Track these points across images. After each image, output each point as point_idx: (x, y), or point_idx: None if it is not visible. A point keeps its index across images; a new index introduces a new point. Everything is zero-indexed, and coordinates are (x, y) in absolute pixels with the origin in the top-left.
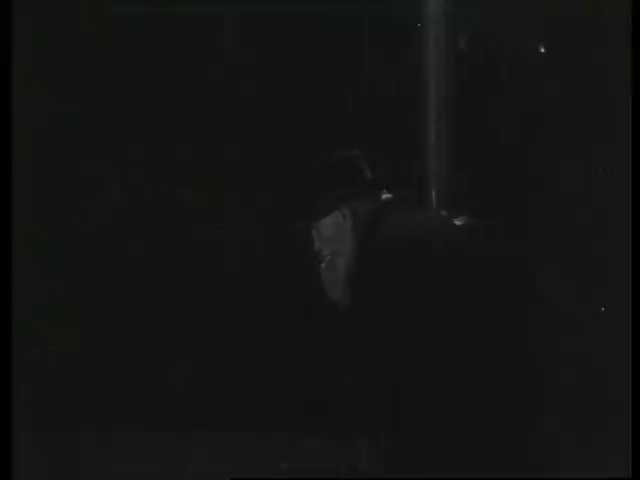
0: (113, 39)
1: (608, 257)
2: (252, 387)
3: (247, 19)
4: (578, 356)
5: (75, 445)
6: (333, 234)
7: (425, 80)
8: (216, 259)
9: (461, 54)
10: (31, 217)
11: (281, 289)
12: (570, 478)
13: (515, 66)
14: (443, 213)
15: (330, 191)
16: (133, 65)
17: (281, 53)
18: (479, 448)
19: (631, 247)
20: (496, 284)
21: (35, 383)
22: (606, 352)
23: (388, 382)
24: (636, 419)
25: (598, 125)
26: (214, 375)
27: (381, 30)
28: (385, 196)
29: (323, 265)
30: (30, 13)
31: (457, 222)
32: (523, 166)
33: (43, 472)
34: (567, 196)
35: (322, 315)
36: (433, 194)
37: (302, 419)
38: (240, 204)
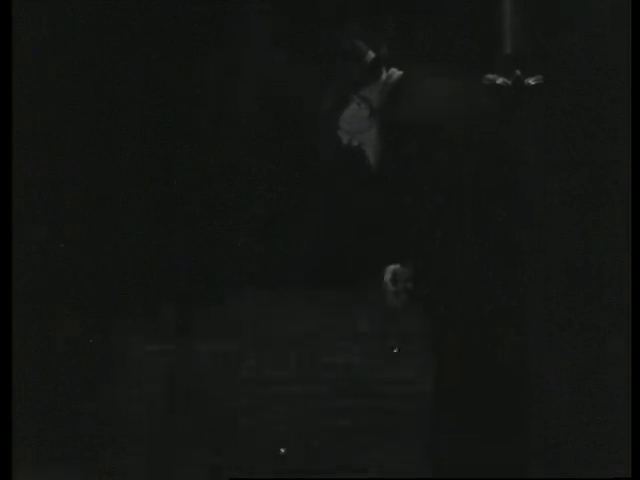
0: None
1: None
2: None
3: None
4: None
5: None
6: (356, 125)
7: None
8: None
9: None
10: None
11: None
12: (570, 478)
13: None
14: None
15: (337, 82)
16: None
17: None
18: None
19: (631, 247)
20: None
21: None
22: None
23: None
24: (636, 419)
25: None
26: None
27: None
28: (396, 74)
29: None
30: None
31: (531, 82)
32: None
33: None
34: None
35: None
36: None
37: None
38: None
